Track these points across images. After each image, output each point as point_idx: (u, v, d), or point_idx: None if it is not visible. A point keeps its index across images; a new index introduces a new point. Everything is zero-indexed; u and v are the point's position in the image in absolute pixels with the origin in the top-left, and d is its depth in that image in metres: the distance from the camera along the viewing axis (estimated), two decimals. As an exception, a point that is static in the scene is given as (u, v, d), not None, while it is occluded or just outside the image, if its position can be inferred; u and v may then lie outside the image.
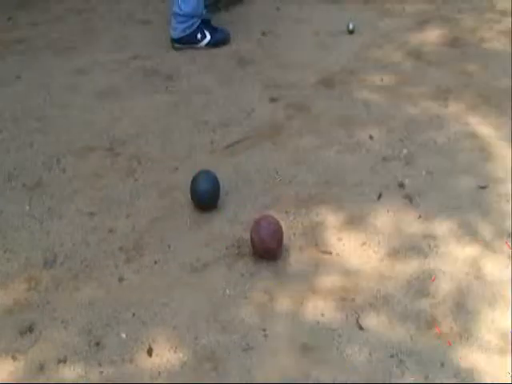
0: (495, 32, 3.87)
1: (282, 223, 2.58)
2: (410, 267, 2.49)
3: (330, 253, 2.56)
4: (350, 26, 3.88)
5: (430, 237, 2.61)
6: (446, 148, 3.05)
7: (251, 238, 2.52)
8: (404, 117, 3.24)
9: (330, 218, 2.70)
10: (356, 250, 2.56)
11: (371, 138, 3.11)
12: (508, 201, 2.75)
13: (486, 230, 2.63)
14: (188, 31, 3.82)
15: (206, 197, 2.74)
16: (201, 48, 3.83)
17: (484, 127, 3.14)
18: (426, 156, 3.00)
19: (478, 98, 3.33)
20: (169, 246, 2.59)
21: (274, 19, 4.06)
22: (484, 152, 3.01)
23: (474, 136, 3.11)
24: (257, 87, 3.46)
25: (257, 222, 2.54)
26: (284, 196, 2.80)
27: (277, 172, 2.90)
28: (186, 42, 3.84)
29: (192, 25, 3.81)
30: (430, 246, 2.57)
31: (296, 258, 2.54)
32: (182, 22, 3.78)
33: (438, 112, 3.27)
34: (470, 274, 2.46)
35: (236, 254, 2.55)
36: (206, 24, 3.88)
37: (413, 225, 2.67)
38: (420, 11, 4.07)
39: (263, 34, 3.95)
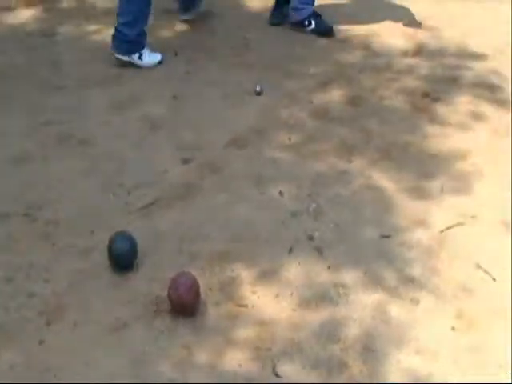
0: (393, 90, 4.11)
1: (199, 279, 2.67)
2: (320, 315, 2.62)
3: (246, 306, 2.66)
4: (258, 88, 4.06)
5: (339, 286, 2.76)
6: (352, 201, 3.23)
7: (169, 295, 2.60)
8: (312, 173, 3.41)
9: (245, 273, 2.81)
10: (270, 301, 2.68)
11: (281, 194, 3.26)
12: (409, 248, 2.94)
13: (390, 277, 2.80)
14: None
15: (123, 257, 2.82)
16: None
17: (385, 181, 3.35)
18: (333, 209, 3.17)
19: (379, 153, 3.53)
20: (88, 308, 2.64)
21: (184, 82, 4.19)
22: (385, 204, 3.21)
23: (376, 189, 3.30)
24: (169, 149, 3.57)
25: (174, 279, 2.63)
26: (199, 253, 2.90)
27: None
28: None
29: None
30: (339, 294, 2.72)
31: (213, 312, 2.64)
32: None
33: (343, 167, 3.45)
34: (377, 318, 2.61)
35: (154, 312, 2.62)
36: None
37: (323, 275, 2.81)
38: (323, 72, 4.27)
39: (174, 97, 4.07)
